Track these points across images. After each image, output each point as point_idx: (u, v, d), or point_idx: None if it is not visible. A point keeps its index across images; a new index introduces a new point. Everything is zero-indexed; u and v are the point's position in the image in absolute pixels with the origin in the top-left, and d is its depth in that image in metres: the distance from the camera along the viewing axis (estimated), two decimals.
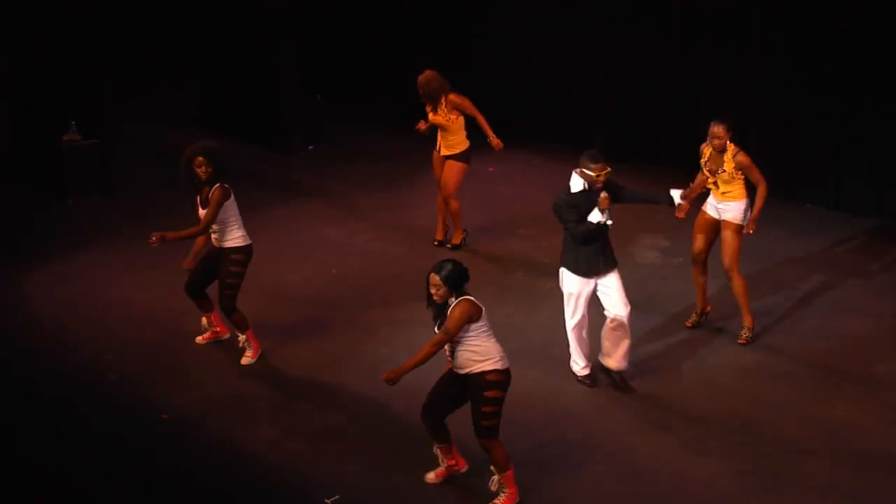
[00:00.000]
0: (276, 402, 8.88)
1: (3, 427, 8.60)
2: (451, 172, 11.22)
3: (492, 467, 7.60)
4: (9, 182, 13.22)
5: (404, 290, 10.65)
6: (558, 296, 10.51)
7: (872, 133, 11.84)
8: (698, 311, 9.81)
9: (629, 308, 8.76)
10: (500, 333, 7.63)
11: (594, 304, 8.88)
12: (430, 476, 7.87)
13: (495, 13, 14.65)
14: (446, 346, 7.39)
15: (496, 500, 7.59)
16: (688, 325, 9.83)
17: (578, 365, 9.01)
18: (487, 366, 7.36)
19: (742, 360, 9.32)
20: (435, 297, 7.33)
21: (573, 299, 8.85)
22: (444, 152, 11.25)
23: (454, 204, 11.29)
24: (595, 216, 8.50)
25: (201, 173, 8.94)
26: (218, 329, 9.62)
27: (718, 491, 7.72)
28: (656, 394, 8.88)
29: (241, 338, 9.37)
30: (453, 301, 7.31)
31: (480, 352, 7.35)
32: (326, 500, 7.62)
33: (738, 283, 9.42)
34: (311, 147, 14.54)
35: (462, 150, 11.22)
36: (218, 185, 8.97)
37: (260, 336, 9.70)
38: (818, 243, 11.47)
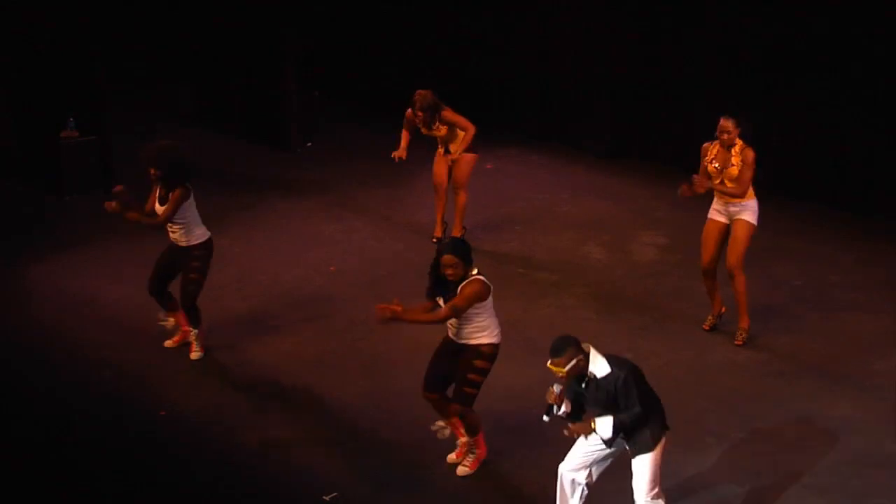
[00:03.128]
0: (273, 399, 8.88)
1: None
2: (463, 163, 11.25)
3: (461, 430, 7.86)
4: (7, 179, 13.19)
5: (403, 287, 10.62)
6: (556, 292, 10.55)
7: (872, 131, 11.84)
8: (714, 314, 9.75)
9: (648, 500, 6.99)
10: None
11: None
12: (452, 457, 8.03)
13: (495, 11, 14.65)
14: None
15: (465, 462, 7.86)
16: (705, 327, 9.77)
17: None
18: (484, 338, 7.57)
19: (740, 358, 9.32)
20: (451, 277, 7.45)
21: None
22: (454, 154, 11.26)
23: (463, 197, 11.31)
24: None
25: (154, 179, 9.05)
26: (185, 329, 9.59)
27: (716, 489, 7.72)
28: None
29: (193, 332, 9.42)
30: (470, 276, 7.44)
31: (482, 326, 7.56)
32: (325, 498, 7.63)
33: (739, 282, 9.36)
34: (308, 143, 14.53)
35: (468, 143, 11.24)
36: (181, 186, 9.02)
37: (258, 333, 9.72)
38: (817, 241, 11.48)
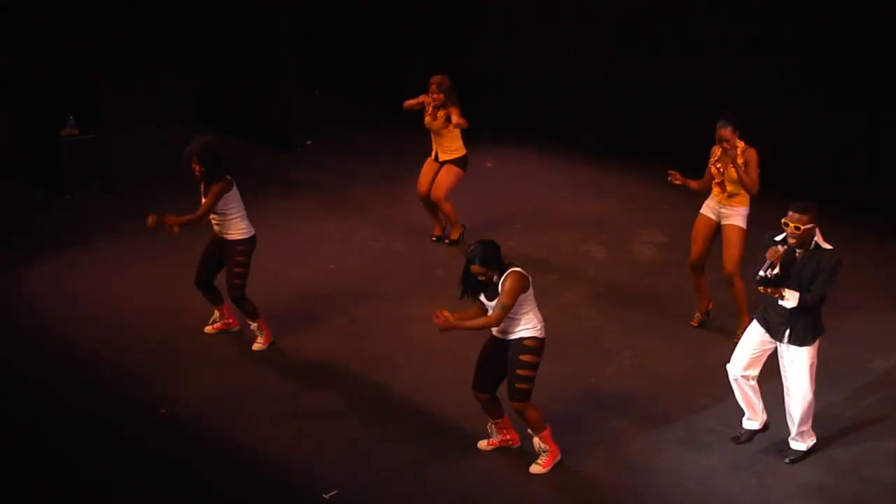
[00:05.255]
0: (273, 397, 8.87)
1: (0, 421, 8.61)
2: (447, 176, 11.25)
3: (528, 431, 7.88)
4: (6, 177, 13.17)
5: (403, 286, 10.66)
6: (556, 290, 10.55)
7: (872, 128, 11.85)
8: (702, 310, 9.80)
9: (802, 396, 7.78)
10: None
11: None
12: (483, 444, 8.12)
13: (495, 9, 14.65)
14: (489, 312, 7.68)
15: (539, 461, 7.89)
16: (693, 324, 9.82)
17: (745, 418, 8.17)
18: (527, 332, 7.64)
19: None
20: (484, 281, 7.58)
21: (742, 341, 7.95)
22: (442, 157, 11.27)
23: (446, 206, 11.33)
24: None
25: (196, 171, 9.15)
26: (230, 321, 9.77)
27: (715, 486, 7.73)
28: (654, 390, 8.89)
29: (253, 325, 9.56)
30: (498, 277, 7.56)
31: (523, 320, 7.64)
32: (324, 496, 7.63)
33: (739, 287, 9.39)
34: (308, 142, 14.53)
35: (460, 155, 11.26)
36: (222, 179, 9.15)
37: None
38: None
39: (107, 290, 10.57)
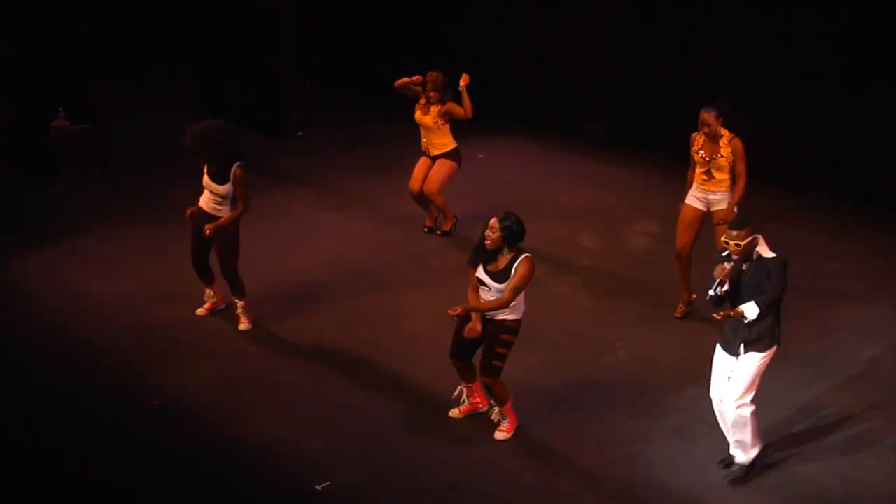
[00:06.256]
0: (267, 389, 8.87)
1: None
2: (441, 169, 11.26)
3: (491, 401, 8.23)
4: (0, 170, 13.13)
5: (397, 277, 10.65)
6: (550, 280, 10.55)
7: (867, 120, 11.84)
8: (685, 301, 9.81)
9: (738, 403, 7.53)
10: None
11: None
12: (455, 412, 8.39)
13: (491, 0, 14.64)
14: (481, 292, 7.87)
15: (501, 428, 8.16)
16: (677, 315, 9.83)
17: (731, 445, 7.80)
18: (509, 314, 7.86)
19: None
20: (487, 241, 7.73)
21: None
22: (433, 152, 11.28)
23: (439, 199, 11.33)
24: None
25: (201, 162, 9.28)
26: (217, 299, 9.88)
27: (708, 476, 7.74)
28: (647, 381, 8.90)
29: (240, 304, 9.65)
30: (506, 253, 7.74)
31: (512, 305, 7.82)
32: (317, 487, 7.63)
33: None
34: (300, 133, 14.50)
35: (452, 149, 11.27)
36: (237, 165, 9.24)
37: (255, 322, 9.73)
38: (812, 229, 11.48)
39: (101, 281, 10.54)
